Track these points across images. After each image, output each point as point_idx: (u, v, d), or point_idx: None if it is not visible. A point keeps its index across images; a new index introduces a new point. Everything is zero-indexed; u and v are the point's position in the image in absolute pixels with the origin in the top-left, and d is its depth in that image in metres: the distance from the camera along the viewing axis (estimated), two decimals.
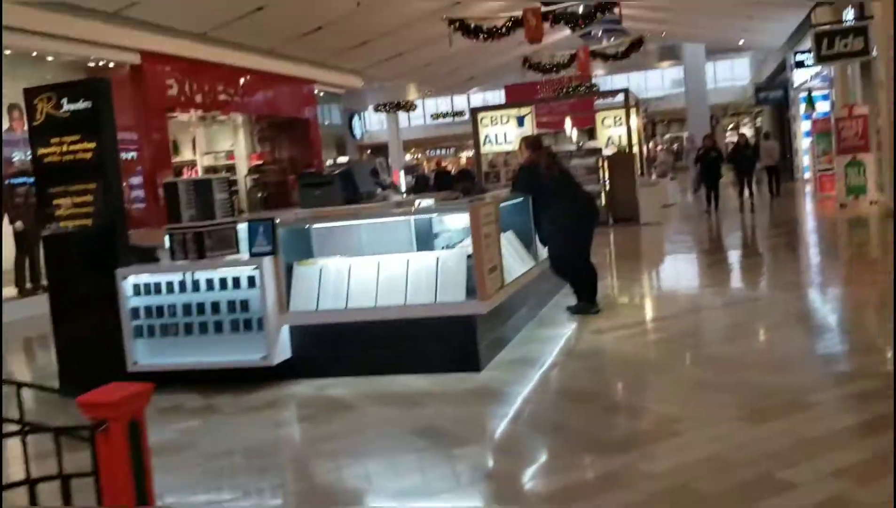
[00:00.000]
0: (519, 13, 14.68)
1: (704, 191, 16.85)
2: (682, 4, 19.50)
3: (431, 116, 46.35)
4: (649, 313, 7.58)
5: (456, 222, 6.48)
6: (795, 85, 22.59)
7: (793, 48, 21.31)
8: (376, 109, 37.17)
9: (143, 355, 5.74)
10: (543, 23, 14.51)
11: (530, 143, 7.48)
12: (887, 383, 4.55)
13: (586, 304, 7.04)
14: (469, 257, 5.51)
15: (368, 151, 49.31)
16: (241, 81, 16.73)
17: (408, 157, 50.81)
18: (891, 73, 12.10)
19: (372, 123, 46.22)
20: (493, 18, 15.30)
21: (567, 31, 24.90)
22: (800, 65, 19.32)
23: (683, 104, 36.79)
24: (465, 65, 23.84)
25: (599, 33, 25.83)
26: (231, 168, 20.36)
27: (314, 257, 5.89)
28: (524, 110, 16.82)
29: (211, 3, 12.81)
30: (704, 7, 19.44)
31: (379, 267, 5.59)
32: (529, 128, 16.76)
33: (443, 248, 6.34)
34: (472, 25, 14.97)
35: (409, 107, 37.05)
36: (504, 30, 14.92)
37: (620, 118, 18.81)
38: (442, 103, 45.94)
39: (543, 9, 14.88)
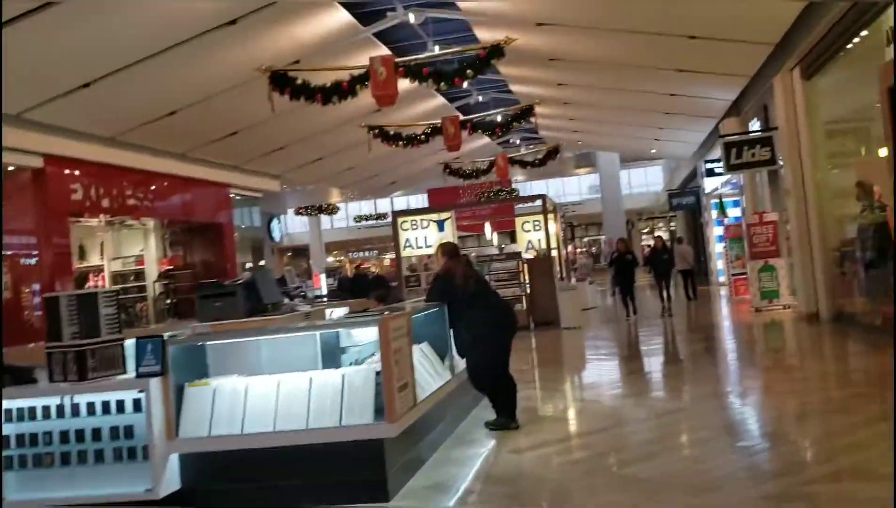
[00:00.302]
0: (438, 121, 14.81)
1: (619, 296, 16.97)
2: (594, 117, 20.11)
3: (354, 218, 46.28)
4: (571, 427, 7.28)
5: (365, 335, 6.14)
6: (707, 191, 23.33)
7: (703, 157, 22.10)
8: (297, 213, 36.93)
9: (14, 489, 5.11)
10: (462, 131, 14.65)
11: (447, 250, 7.27)
12: (814, 504, 4.33)
13: (506, 419, 6.71)
14: (378, 373, 5.15)
15: (289, 254, 48.90)
16: (152, 185, 16.30)
17: (330, 259, 50.47)
18: (798, 180, 12.50)
19: (294, 225, 45.99)
20: (412, 126, 15.39)
21: (487, 139, 25.46)
22: (710, 173, 20.00)
23: (600, 209, 37.73)
24: (387, 170, 23.96)
25: (518, 141, 26.48)
26: (140, 274, 19.66)
27: (209, 377, 5.43)
28: (444, 215, 16.80)
29: (120, 106, 12.48)
30: (615, 120, 20.08)
31: (279, 387, 5.17)
32: (450, 232, 16.72)
33: (350, 364, 5.98)
34: (391, 133, 15.00)
35: (331, 210, 36.93)
36: (423, 137, 15.00)
37: (539, 223, 19.01)
38: (365, 206, 45.99)
39: (462, 117, 15.04)
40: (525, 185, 41.20)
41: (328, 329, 6.01)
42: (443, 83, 10.41)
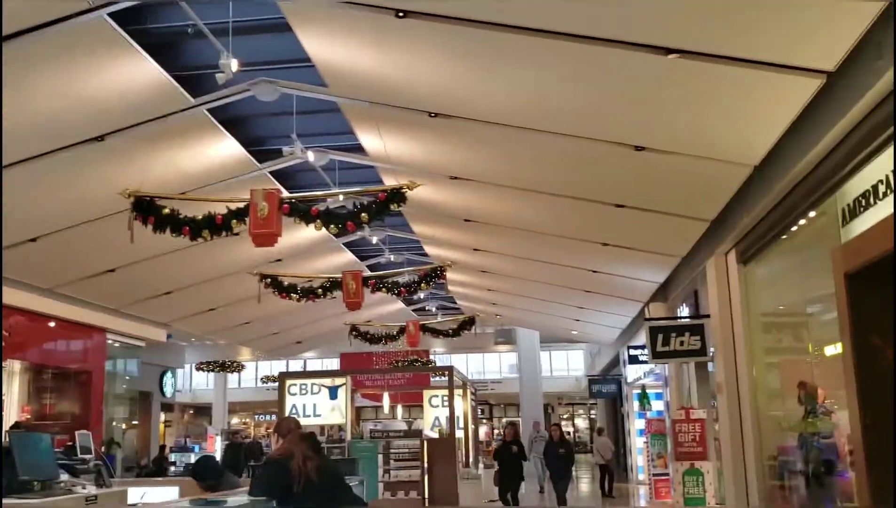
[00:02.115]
0: (339, 275, 13.29)
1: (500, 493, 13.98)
2: (512, 289, 18.87)
3: (261, 378, 43.58)
4: None
5: None
6: (629, 380, 22.04)
7: (625, 343, 20.93)
8: (198, 368, 34.55)
9: None
10: (364, 288, 13.10)
11: (282, 428, 5.48)
12: None
13: None
14: None
15: (191, 412, 45.90)
16: (12, 321, 14.19)
17: (235, 420, 47.50)
18: (731, 375, 11.14)
19: (199, 381, 43.47)
20: (311, 278, 13.81)
21: (402, 304, 24.03)
22: (633, 360, 18.72)
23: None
24: (289, 328, 22.07)
25: (434, 309, 25.09)
26: None
27: None
28: (338, 380, 14.86)
29: None
30: (534, 294, 18.87)
31: None
32: (344, 401, 14.75)
33: None
34: (286, 283, 13.35)
35: (235, 368, 34.71)
36: (321, 291, 13.37)
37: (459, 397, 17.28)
38: (277, 366, 43.56)
39: (365, 274, 13.54)
40: (445, 358, 39.65)
41: None
42: (332, 226, 8.91)
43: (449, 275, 18.76)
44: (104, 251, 13.18)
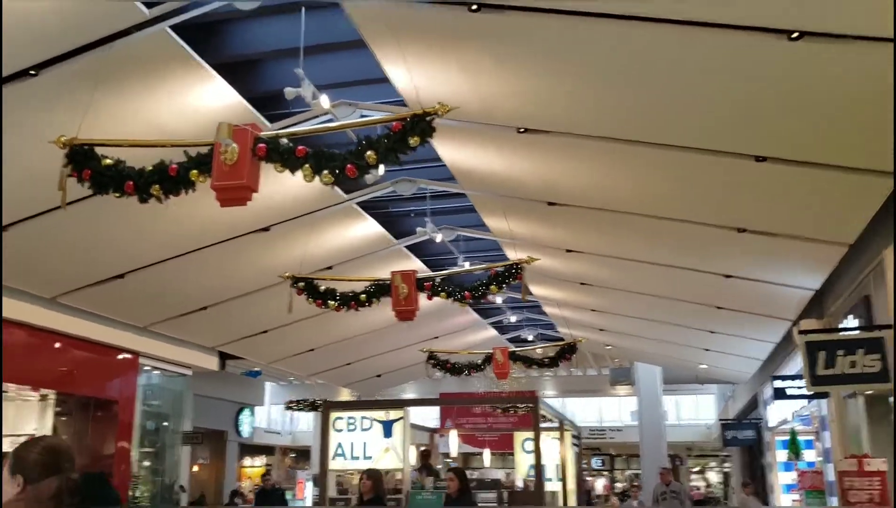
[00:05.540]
0: (387, 278, 10.39)
1: None
2: (619, 306, 15.36)
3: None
4: None
5: None
6: (771, 424, 18.00)
7: (767, 378, 17.01)
8: (287, 407, 32.45)
9: None
10: (419, 293, 10.15)
11: (25, 461, 2.60)
12: None
13: None
14: None
15: (293, 455, 44.15)
16: (11, 337, 11.99)
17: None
18: None
19: (302, 423, 41.71)
20: (353, 280, 10.95)
21: (493, 331, 20.96)
22: (780, 395, 14.77)
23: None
24: (362, 357, 19.26)
25: (531, 337, 21.79)
26: None
27: None
28: (394, 413, 11.88)
29: None
30: (649, 313, 15.27)
31: None
32: (400, 439, 11.76)
33: None
34: (322, 288, 10.56)
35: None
36: (364, 298, 10.49)
37: (550, 441, 14.06)
38: None
39: (419, 275, 10.56)
40: (556, 402, 36.10)
41: None
42: (327, 172, 6.03)
43: (543, 291, 15.57)
44: (105, 250, 10.78)
